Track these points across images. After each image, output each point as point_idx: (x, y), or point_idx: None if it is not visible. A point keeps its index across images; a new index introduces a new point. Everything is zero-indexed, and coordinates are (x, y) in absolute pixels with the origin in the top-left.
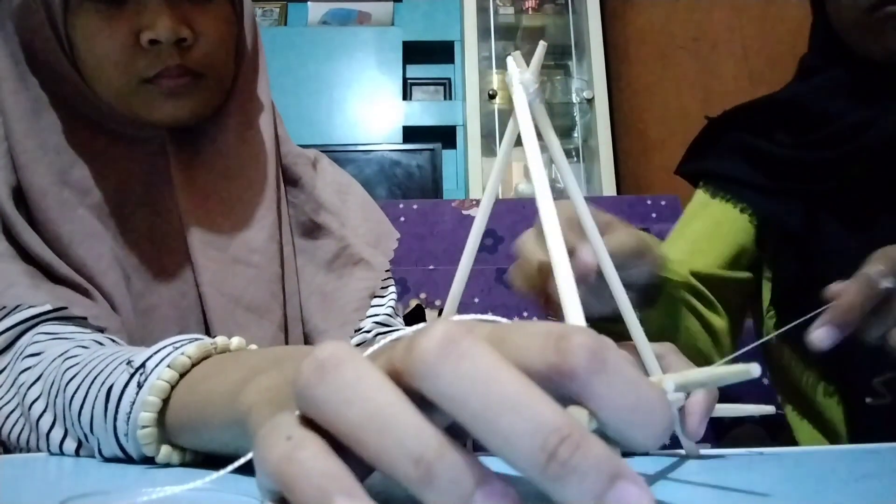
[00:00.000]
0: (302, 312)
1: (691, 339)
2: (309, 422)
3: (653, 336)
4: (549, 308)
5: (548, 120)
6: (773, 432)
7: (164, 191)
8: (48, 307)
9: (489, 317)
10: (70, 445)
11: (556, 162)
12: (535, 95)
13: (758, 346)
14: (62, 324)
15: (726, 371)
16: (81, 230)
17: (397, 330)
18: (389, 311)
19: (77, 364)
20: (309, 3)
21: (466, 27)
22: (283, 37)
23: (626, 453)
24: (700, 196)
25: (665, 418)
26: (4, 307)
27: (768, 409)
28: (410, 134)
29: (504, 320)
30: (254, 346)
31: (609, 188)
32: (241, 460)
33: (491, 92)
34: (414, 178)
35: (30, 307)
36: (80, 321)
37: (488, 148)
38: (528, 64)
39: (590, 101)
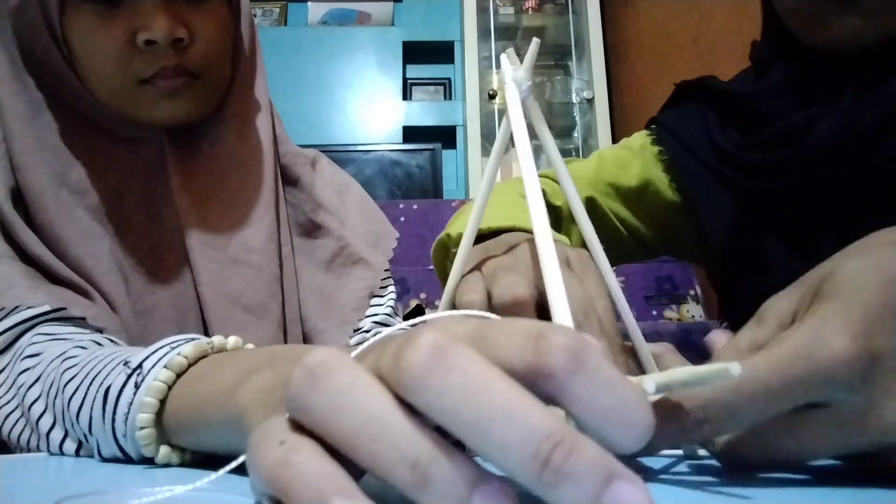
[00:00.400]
0: (301, 312)
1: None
2: (301, 424)
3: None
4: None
5: (542, 117)
6: None
7: (163, 191)
8: (47, 308)
9: (477, 312)
10: (70, 446)
11: (550, 159)
12: (529, 93)
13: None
14: (61, 324)
15: (708, 370)
16: (80, 231)
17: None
18: (389, 310)
19: (76, 365)
20: (309, 3)
21: (466, 27)
22: (283, 37)
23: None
24: (639, 136)
25: (644, 419)
26: (3, 308)
27: None
28: (410, 134)
29: (494, 316)
30: (251, 346)
31: None
32: (238, 461)
33: (491, 92)
34: (414, 178)
35: (29, 308)
36: (79, 322)
37: (488, 148)
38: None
39: (590, 101)
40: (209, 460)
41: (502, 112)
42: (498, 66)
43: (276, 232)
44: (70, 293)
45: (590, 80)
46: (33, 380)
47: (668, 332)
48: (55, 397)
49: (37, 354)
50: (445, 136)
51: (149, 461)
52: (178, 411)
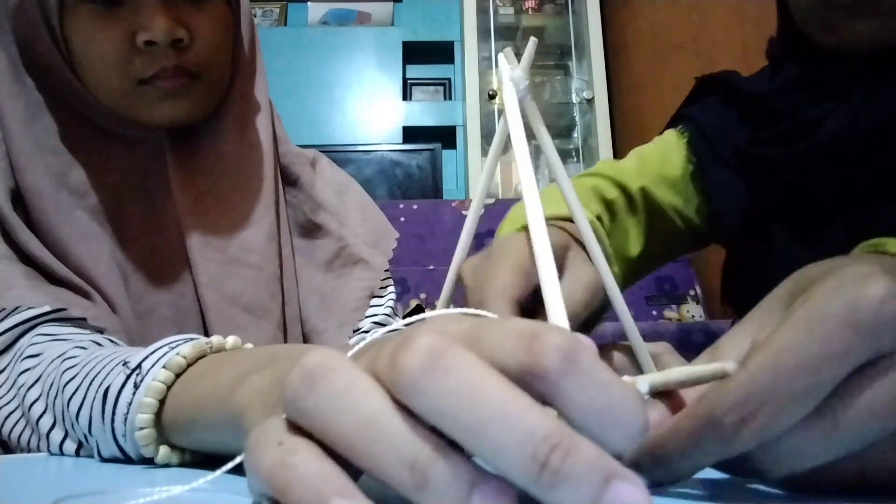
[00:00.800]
0: (301, 313)
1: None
2: (299, 426)
3: None
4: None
5: (539, 116)
6: None
7: (162, 191)
8: (47, 308)
9: (473, 311)
10: (70, 446)
11: (548, 158)
12: (526, 92)
13: None
14: (61, 325)
15: (704, 370)
16: (79, 232)
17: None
18: (388, 311)
19: (75, 365)
20: (309, 3)
21: (466, 27)
22: (283, 37)
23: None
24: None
25: (638, 420)
26: (4, 309)
27: None
28: (410, 134)
29: (491, 315)
30: (249, 346)
31: None
32: (236, 460)
33: (491, 92)
34: (414, 178)
35: (29, 308)
36: (80, 322)
37: (488, 148)
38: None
39: (590, 101)
40: (209, 460)
41: (502, 112)
42: (497, 66)
43: (276, 232)
44: (70, 294)
45: (590, 80)
46: (33, 380)
47: (668, 332)
48: (55, 398)
49: (37, 355)
50: (445, 136)
51: (149, 461)
52: (177, 411)
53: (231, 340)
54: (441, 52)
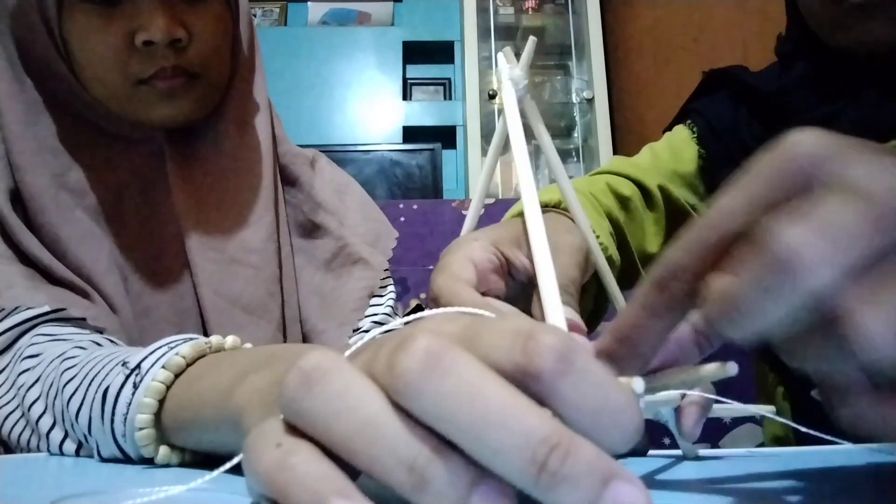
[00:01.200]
0: (300, 312)
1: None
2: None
3: None
4: None
5: (538, 116)
6: None
7: (162, 192)
8: (47, 308)
9: (469, 309)
10: (70, 446)
11: (547, 158)
12: (525, 91)
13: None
14: (61, 325)
15: (702, 371)
16: (79, 232)
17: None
18: (388, 310)
19: (75, 366)
20: (309, 3)
21: (466, 27)
22: (283, 37)
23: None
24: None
25: (633, 421)
26: (3, 309)
27: (769, 408)
28: (410, 134)
29: (487, 314)
30: (249, 345)
31: None
32: (234, 460)
33: (491, 92)
34: (414, 178)
35: (29, 308)
36: (79, 322)
37: (488, 148)
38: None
39: (590, 101)
40: (209, 460)
41: (502, 112)
42: (497, 65)
43: (275, 232)
44: (70, 294)
45: (590, 80)
46: (33, 380)
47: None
48: (55, 398)
49: (37, 355)
50: (445, 136)
51: (148, 461)
52: (177, 411)
53: (230, 340)
54: (441, 52)
